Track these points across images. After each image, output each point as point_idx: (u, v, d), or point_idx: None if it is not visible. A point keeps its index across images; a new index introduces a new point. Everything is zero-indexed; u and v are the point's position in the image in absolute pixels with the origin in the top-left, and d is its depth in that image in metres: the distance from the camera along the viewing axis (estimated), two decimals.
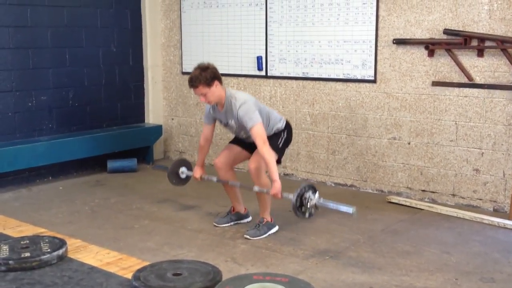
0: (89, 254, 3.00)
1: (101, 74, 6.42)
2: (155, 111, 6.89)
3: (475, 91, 4.81)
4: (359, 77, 5.39)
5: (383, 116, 5.30)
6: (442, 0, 4.86)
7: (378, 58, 5.26)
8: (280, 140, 4.29)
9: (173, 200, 5.23)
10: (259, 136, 4.02)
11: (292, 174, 5.98)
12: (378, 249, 4.03)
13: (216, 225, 4.46)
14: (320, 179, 5.79)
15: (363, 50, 5.32)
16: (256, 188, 4.16)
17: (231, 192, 4.49)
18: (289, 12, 5.74)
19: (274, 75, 5.91)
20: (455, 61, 4.85)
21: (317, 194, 3.86)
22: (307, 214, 3.87)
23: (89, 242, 3.25)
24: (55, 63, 5.98)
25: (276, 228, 4.34)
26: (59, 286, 2.55)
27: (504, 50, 4.59)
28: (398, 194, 5.29)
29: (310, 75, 5.70)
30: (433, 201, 5.08)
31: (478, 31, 4.71)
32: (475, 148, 4.87)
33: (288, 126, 4.40)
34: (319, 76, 5.64)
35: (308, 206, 3.83)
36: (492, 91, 4.73)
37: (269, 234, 4.26)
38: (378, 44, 5.24)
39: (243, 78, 6.19)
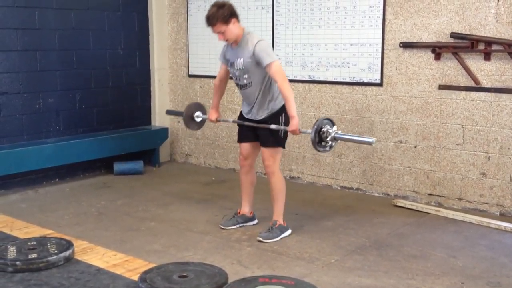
0: (96, 255, 3.01)
1: (108, 76, 6.44)
2: (162, 113, 6.90)
3: (482, 94, 4.80)
4: (365, 81, 5.38)
5: (390, 120, 5.30)
6: (449, 4, 4.86)
7: (385, 61, 5.25)
8: (281, 130, 4.20)
9: (179, 203, 5.24)
10: (278, 72, 4.01)
11: (298, 177, 5.98)
12: (384, 252, 4.02)
13: (222, 227, 4.46)
14: (326, 182, 5.78)
15: (370, 54, 5.32)
16: (273, 126, 4.15)
17: (245, 190, 4.51)
18: (296, 15, 5.75)
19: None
20: (462, 65, 4.84)
21: (335, 127, 3.91)
22: (327, 148, 3.93)
23: (95, 244, 3.26)
24: (63, 65, 6.01)
25: (289, 231, 4.32)
26: None
27: (511, 54, 4.58)
28: (404, 197, 5.28)
29: (316, 78, 5.70)
30: (440, 205, 5.07)
31: (485, 35, 4.70)
32: (481, 152, 4.86)
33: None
34: (325, 79, 5.65)
35: (327, 139, 3.88)
36: (499, 94, 4.71)
37: (282, 238, 4.24)
38: (385, 48, 5.23)
39: None
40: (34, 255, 2.79)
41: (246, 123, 4.31)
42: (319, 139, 3.89)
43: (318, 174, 5.84)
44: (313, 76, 5.71)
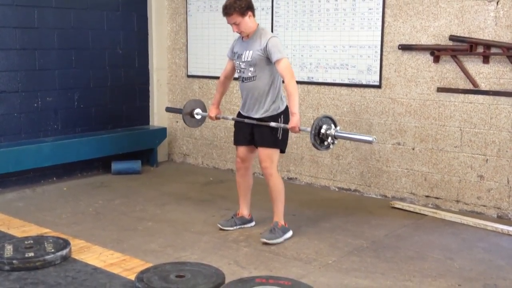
0: (93, 254, 3.00)
1: (106, 76, 6.44)
2: (160, 113, 6.90)
3: (480, 97, 4.80)
4: (364, 82, 5.39)
5: (388, 121, 5.30)
6: (448, 7, 4.87)
7: (384, 63, 5.26)
8: (279, 131, 4.16)
9: (177, 202, 5.24)
10: (287, 69, 4.02)
11: (296, 178, 5.98)
12: (381, 254, 4.03)
13: (221, 227, 4.45)
14: (324, 183, 5.79)
15: (369, 55, 5.33)
16: (273, 124, 4.12)
17: (243, 193, 4.49)
18: (295, 16, 5.75)
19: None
20: (460, 68, 4.85)
21: (336, 126, 3.88)
22: (327, 146, 3.89)
23: (92, 243, 3.26)
24: (61, 64, 6.01)
25: (291, 233, 4.30)
26: (62, 286, 2.55)
27: (509, 57, 4.59)
28: (402, 199, 5.28)
29: (315, 80, 5.71)
30: (437, 207, 5.08)
31: (484, 38, 4.71)
32: (479, 155, 4.86)
33: (287, 110, 4.23)
34: (324, 81, 5.65)
35: (327, 137, 3.85)
36: (497, 97, 4.72)
37: (285, 239, 4.23)
38: (384, 50, 5.24)
39: None
40: (31, 254, 2.79)
41: (246, 120, 4.27)
42: (319, 138, 3.87)
43: (316, 175, 5.84)
44: (312, 78, 5.72)
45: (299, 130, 4.04)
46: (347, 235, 4.39)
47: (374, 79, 5.33)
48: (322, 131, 3.85)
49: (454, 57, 4.86)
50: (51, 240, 2.99)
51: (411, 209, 5.00)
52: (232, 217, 4.52)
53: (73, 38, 6.07)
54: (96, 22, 6.27)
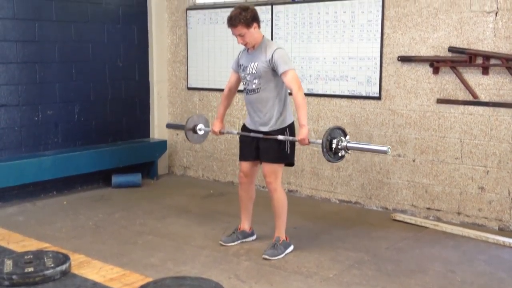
0: (93, 269, 2.99)
1: (107, 89, 6.46)
2: (160, 126, 6.91)
3: (480, 109, 4.80)
4: (364, 94, 5.39)
5: (388, 133, 5.30)
6: (447, 18, 4.88)
7: (383, 75, 5.27)
8: (286, 145, 4.13)
9: (177, 216, 5.23)
10: (295, 80, 3.99)
11: (297, 190, 5.97)
12: (382, 267, 4.01)
13: (223, 244, 4.40)
14: (324, 195, 5.77)
15: (368, 67, 5.34)
16: (281, 137, 4.07)
17: (245, 206, 4.45)
18: (295, 28, 5.77)
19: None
20: (460, 79, 4.85)
21: (346, 137, 3.83)
22: (338, 156, 3.84)
23: (92, 258, 3.24)
24: (62, 77, 6.02)
25: (292, 247, 4.28)
26: None
27: (509, 68, 4.60)
28: (403, 211, 5.27)
29: (315, 91, 5.72)
30: (438, 219, 5.06)
31: (483, 49, 4.72)
32: (480, 166, 4.85)
33: (293, 124, 4.25)
34: (324, 93, 5.66)
35: (339, 148, 3.79)
36: (497, 109, 4.72)
37: (286, 254, 4.20)
38: (383, 61, 5.25)
39: None
40: (31, 269, 2.77)
41: (252, 134, 4.20)
42: (331, 151, 3.80)
43: (317, 188, 5.83)
44: (312, 89, 5.73)
45: (309, 142, 3.98)
46: (348, 248, 4.37)
47: (374, 90, 5.33)
48: (334, 145, 3.79)
49: (453, 68, 4.87)
50: (50, 255, 2.97)
51: (412, 222, 4.98)
52: (234, 232, 4.48)
53: (73, 51, 6.09)
54: (96, 35, 6.29)
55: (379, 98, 5.31)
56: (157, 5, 6.76)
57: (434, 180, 5.09)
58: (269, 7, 5.92)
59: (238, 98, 6.03)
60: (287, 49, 5.83)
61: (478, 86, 4.79)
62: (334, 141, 3.80)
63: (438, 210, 5.10)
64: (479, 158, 4.85)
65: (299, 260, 4.12)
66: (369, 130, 5.40)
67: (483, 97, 4.78)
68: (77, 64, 6.14)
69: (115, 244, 4.46)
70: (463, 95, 4.87)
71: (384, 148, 3.78)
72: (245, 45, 4.13)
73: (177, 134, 6.91)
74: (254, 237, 4.53)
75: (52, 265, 2.83)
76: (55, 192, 5.99)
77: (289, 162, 4.27)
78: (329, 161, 3.88)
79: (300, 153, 5.80)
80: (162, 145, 6.75)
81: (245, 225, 4.49)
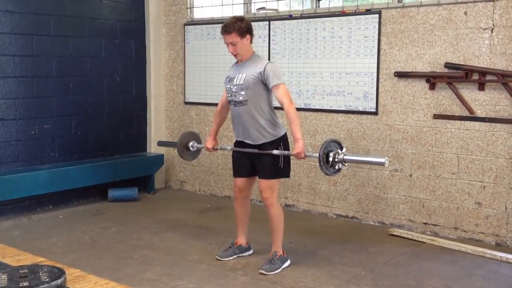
0: (88, 284, 2.97)
1: (104, 103, 6.46)
2: (157, 140, 6.89)
3: (476, 124, 4.82)
4: (361, 109, 5.41)
5: (385, 148, 5.31)
6: (443, 34, 4.92)
7: (380, 90, 5.29)
8: (280, 159, 4.10)
9: (174, 230, 5.20)
10: (286, 94, 3.99)
11: (293, 205, 5.96)
12: (380, 282, 3.99)
13: (219, 258, 4.38)
14: (321, 210, 5.77)
15: (365, 83, 5.36)
16: (276, 152, 4.05)
17: (241, 221, 4.44)
18: (292, 44, 5.80)
19: (276, 106, 5.91)
20: (456, 95, 4.88)
21: (343, 149, 3.82)
22: (335, 169, 3.82)
23: (88, 272, 3.23)
24: (59, 92, 6.03)
25: (289, 262, 4.25)
26: None
27: (505, 84, 4.63)
28: (400, 226, 5.26)
29: (312, 106, 5.73)
30: (435, 234, 5.05)
31: (479, 65, 4.75)
32: (476, 181, 4.86)
33: (286, 136, 4.24)
34: (321, 108, 5.67)
35: (336, 161, 3.78)
36: (493, 124, 4.74)
37: (283, 269, 4.18)
38: (380, 77, 5.28)
39: None
40: (26, 283, 2.75)
41: (246, 150, 4.18)
42: (328, 164, 3.80)
43: (314, 202, 5.82)
44: (309, 104, 5.74)
45: (305, 156, 3.97)
46: (345, 263, 4.36)
47: (370, 106, 5.35)
48: (330, 158, 3.79)
49: (449, 84, 4.89)
50: (46, 269, 2.95)
51: (409, 236, 4.97)
52: (230, 247, 4.46)
53: (71, 65, 6.10)
54: (94, 50, 6.31)
55: (376, 113, 5.33)
56: (155, 20, 6.80)
57: (431, 195, 5.10)
58: (267, 23, 5.96)
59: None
60: (284, 64, 5.87)
61: (474, 102, 4.82)
62: (331, 154, 3.80)
63: (435, 225, 5.09)
64: (475, 173, 4.86)
65: (296, 275, 4.10)
66: (366, 145, 5.41)
67: (479, 113, 4.80)
68: (74, 79, 6.15)
69: (111, 258, 4.43)
70: (459, 110, 4.89)
71: (382, 160, 3.78)
72: (236, 55, 4.13)
73: (174, 148, 6.90)
74: (250, 251, 4.51)
75: (47, 279, 2.81)
76: (51, 206, 5.96)
77: (285, 175, 4.27)
78: (326, 174, 3.88)
79: (297, 167, 5.80)
80: (159, 159, 6.74)
81: (242, 240, 4.47)
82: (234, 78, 4.15)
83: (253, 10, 6.23)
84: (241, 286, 3.90)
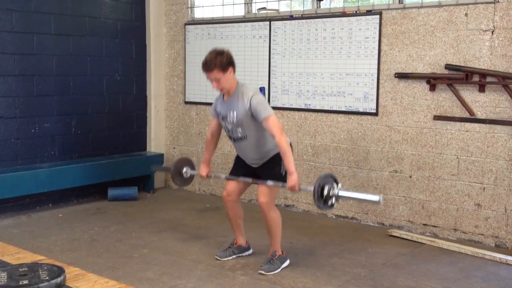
0: (88, 282, 2.98)
1: (104, 102, 6.46)
2: (157, 139, 6.91)
3: (476, 126, 4.83)
4: (361, 110, 5.42)
5: (385, 149, 5.31)
6: (444, 36, 4.92)
7: (380, 91, 5.30)
8: (282, 168, 4.10)
9: (173, 230, 5.21)
10: (276, 126, 3.92)
11: (293, 205, 5.96)
12: (379, 283, 3.99)
13: (219, 258, 4.38)
14: (321, 210, 5.76)
15: (365, 83, 5.36)
16: (270, 183, 4.02)
17: (235, 224, 4.43)
18: (292, 44, 5.81)
19: (276, 106, 5.94)
20: (456, 96, 4.88)
21: (339, 185, 3.75)
22: (328, 204, 3.75)
23: (87, 271, 3.23)
24: (60, 90, 6.03)
25: (288, 262, 4.25)
26: None
27: (505, 86, 4.63)
28: (399, 227, 5.26)
29: (312, 107, 5.74)
30: (435, 236, 5.05)
31: (480, 67, 4.75)
32: (476, 183, 4.86)
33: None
34: (321, 108, 5.68)
35: (330, 196, 3.71)
36: (493, 126, 4.74)
37: (282, 269, 4.17)
38: (380, 78, 5.28)
39: None
40: (25, 282, 2.76)
41: (241, 178, 4.21)
42: (322, 198, 3.72)
43: (313, 203, 5.80)
44: (309, 105, 5.75)
45: (299, 189, 3.92)
46: (344, 264, 4.36)
47: (371, 106, 5.35)
48: (325, 192, 3.71)
49: (450, 85, 4.89)
50: (45, 268, 2.96)
51: (409, 237, 4.97)
52: (230, 247, 4.46)
53: (71, 64, 6.10)
54: (94, 49, 6.31)
55: (376, 114, 5.33)
56: (156, 20, 6.80)
57: (431, 196, 5.10)
58: (267, 23, 5.96)
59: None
60: (285, 64, 5.87)
61: (474, 103, 4.82)
62: (326, 187, 3.72)
63: (434, 226, 5.09)
64: (475, 174, 4.86)
65: (295, 275, 4.10)
66: (366, 146, 5.41)
67: (479, 114, 4.81)
68: (74, 78, 6.15)
69: (110, 257, 4.43)
70: (459, 112, 4.90)
71: (376, 198, 3.70)
72: (220, 90, 4.09)
73: (174, 148, 6.91)
74: (250, 251, 4.51)
75: (47, 278, 2.81)
76: (50, 205, 5.96)
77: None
78: (319, 208, 3.82)
79: (297, 167, 5.77)
80: (158, 159, 6.74)
81: (241, 240, 4.47)
82: (226, 116, 4.12)
83: (254, 10, 6.24)
84: (240, 286, 3.90)
